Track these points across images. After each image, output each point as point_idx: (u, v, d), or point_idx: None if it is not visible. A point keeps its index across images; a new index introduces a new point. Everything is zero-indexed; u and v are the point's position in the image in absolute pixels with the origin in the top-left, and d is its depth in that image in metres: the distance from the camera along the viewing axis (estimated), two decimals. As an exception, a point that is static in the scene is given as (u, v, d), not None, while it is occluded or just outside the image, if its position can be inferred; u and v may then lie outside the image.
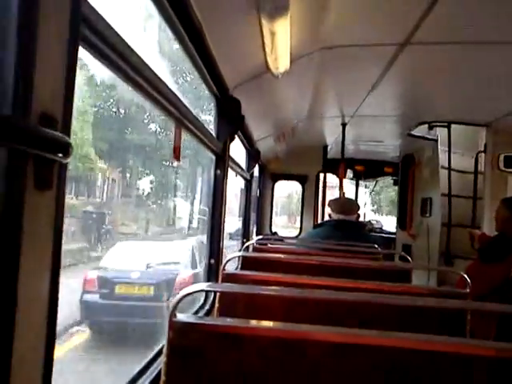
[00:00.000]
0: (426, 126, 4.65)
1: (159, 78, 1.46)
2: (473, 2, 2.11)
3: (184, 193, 22.24)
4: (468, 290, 2.09)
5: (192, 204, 21.60)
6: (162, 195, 19.58)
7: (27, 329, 0.76)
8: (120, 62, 1.13)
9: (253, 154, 4.49)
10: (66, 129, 0.81)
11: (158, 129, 17.70)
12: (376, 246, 3.58)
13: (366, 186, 9.00)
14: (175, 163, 17.30)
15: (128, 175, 18.13)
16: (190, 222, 20.61)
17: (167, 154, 15.87)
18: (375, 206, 28.41)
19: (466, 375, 1.25)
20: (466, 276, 2.17)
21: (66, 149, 0.77)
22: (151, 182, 18.45)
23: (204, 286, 1.44)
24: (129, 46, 1.15)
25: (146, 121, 17.45)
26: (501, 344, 1.36)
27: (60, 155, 0.77)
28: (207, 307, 2.64)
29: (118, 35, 1.08)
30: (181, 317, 1.30)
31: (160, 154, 17.48)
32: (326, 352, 1.27)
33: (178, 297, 1.30)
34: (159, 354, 1.82)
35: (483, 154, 4.64)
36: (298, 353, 1.28)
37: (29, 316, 0.76)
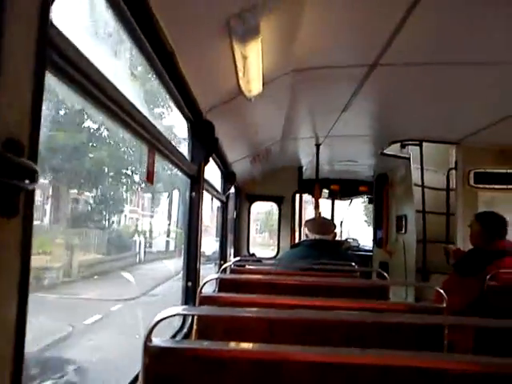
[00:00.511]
0: (399, 144, 4.74)
1: (131, 102, 1.45)
2: (440, 23, 2.18)
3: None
4: (444, 305, 2.10)
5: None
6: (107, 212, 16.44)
7: None
8: (90, 86, 1.12)
9: (228, 176, 4.49)
10: (33, 155, 0.79)
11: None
12: (353, 264, 3.59)
13: (350, 202, 9.08)
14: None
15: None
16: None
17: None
18: (368, 217, 28.73)
19: None
20: (441, 291, 2.18)
21: (33, 175, 0.75)
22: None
23: (180, 309, 1.40)
24: (98, 71, 1.14)
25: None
26: (479, 358, 1.37)
27: (27, 181, 0.75)
28: (185, 331, 2.60)
29: (87, 60, 1.07)
30: (156, 341, 1.27)
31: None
32: (305, 372, 1.26)
33: (154, 321, 1.27)
34: (135, 380, 1.77)
35: (454, 171, 4.75)
36: (278, 374, 1.26)
37: None
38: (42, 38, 0.81)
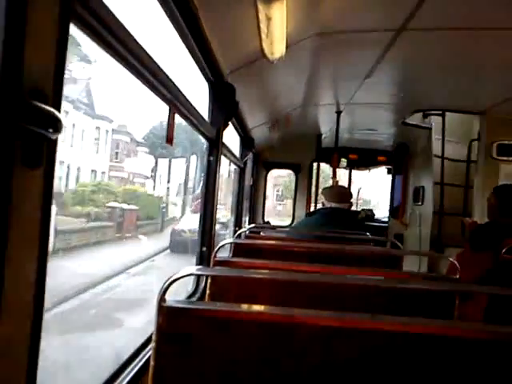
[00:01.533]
0: (421, 114, 4.65)
1: (153, 59, 1.44)
2: None
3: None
4: (458, 276, 2.10)
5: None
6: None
7: (14, 310, 0.74)
8: (112, 40, 1.10)
9: (247, 142, 4.46)
10: (57, 104, 0.79)
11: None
12: (368, 233, 3.59)
13: (369, 171, 9.01)
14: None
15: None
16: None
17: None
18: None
19: (455, 356, 1.26)
20: (456, 262, 2.18)
21: (56, 124, 0.75)
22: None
23: (193, 269, 1.42)
24: (122, 25, 1.13)
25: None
26: (488, 326, 1.37)
27: (50, 130, 0.75)
28: (198, 294, 2.64)
29: (111, 12, 1.05)
30: (170, 302, 1.29)
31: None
32: (315, 335, 1.27)
33: (167, 281, 1.29)
34: (149, 340, 1.82)
35: (476, 143, 4.66)
36: (288, 336, 1.28)
37: (16, 296, 0.74)
38: None
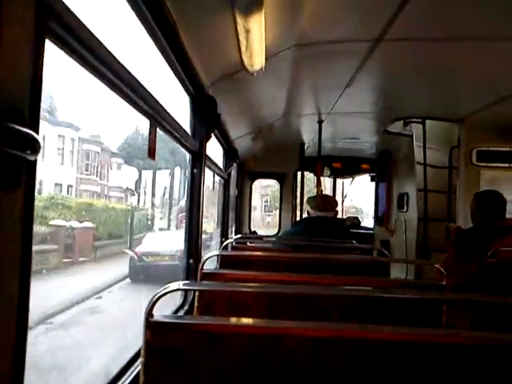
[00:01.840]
0: (402, 122, 4.71)
1: (132, 75, 1.44)
2: None
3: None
4: (444, 283, 2.11)
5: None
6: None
7: None
8: (88, 56, 1.10)
9: (230, 153, 4.47)
10: (34, 123, 0.79)
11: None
12: (354, 241, 3.60)
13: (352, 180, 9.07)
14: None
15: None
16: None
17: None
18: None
19: (443, 364, 1.26)
20: (442, 269, 2.19)
21: (34, 144, 0.74)
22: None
23: (180, 284, 1.42)
24: (98, 40, 1.13)
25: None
26: (475, 332, 1.38)
27: (28, 152, 0.74)
28: (186, 307, 2.62)
29: (87, 29, 1.05)
30: (157, 316, 1.29)
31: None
32: (303, 346, 1.27)
33: (154, 297, 1.28)
34: (138, 355, 1.80)
35: (457, 149, 4.72)
36: (276, 348, 1.27)
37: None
38: (41, 6, 0.79)
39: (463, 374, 1.26)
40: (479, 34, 2.49)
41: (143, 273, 13.95)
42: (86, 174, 20.92)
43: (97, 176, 21.74)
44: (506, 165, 4.60)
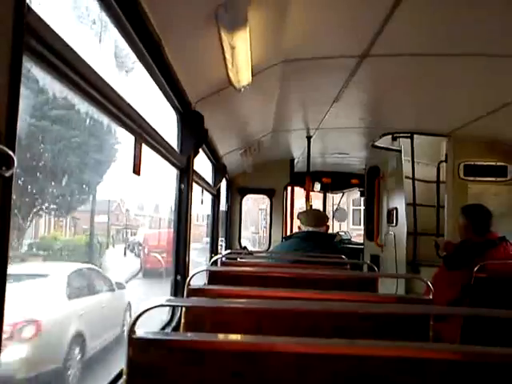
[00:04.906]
0: (390, 137, 4.74)
1: (115, 91, 1.44)
2: (428, 15, 2.17)
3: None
4: (431, 297, 2.11)
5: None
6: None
7: None
8: (71, 73, 1.10)
9: (219, 169, 4.47)
10: (10, 139, 0.78)
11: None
12: (343, 256, 3.59)
13: (342, 195, 9.09)
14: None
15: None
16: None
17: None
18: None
19: (431, 379, 1.25)
20: (429, 283, 2.19)
21: (8, 161, 0.74)
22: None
23: (163, 300, 1.39)
24: (80, 58, 1.12)
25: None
26: (463, 347, 1.37)
27: (4, 168, 0.73)
28: (174, 324, 2.59)
29: (68, 46, 1.05)
30: (140, 333, 1.26)
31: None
32: (289, 363, 1.26)
33: (138, 313, 1.26)
34: (121, 374, 1.77)
35: (444, 164, 4.76)
36: (263, 365, 1.26)
37: None
38: (19, 23, 0.79)
39: None
40: (465, 49, 2.53)
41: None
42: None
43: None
44: (493, 179, 4.64)
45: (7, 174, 0.75)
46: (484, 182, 4.62)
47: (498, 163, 4.66)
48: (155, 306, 1.31)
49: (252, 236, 24.77)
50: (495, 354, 1.26)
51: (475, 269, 3.13)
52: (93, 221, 13.47)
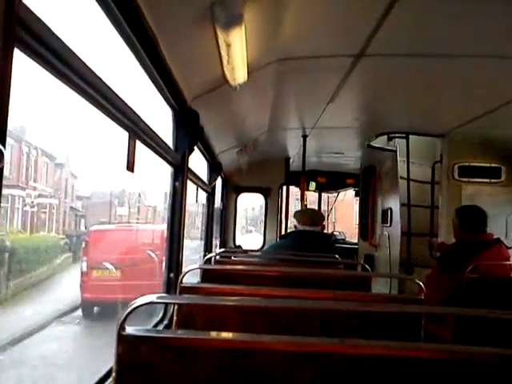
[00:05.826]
0: (385, 137, 4.75)
1: (108, 86, 1.43)
2: (424, 15, 2.17)
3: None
4: (422, 297, 2.11)
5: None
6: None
7: None
8: (62, 67, 1.09)
9: (214, 167, 4.46)
10: (1, 135, 0.78)
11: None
12: (337, 256, 3.59)
13: (337, 194, 9.13)
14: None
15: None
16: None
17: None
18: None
19: (422, 378, 1.25)
20: (420, 283, 2.20)
21: None
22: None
23: (153, 297, 1.38)
24: (70, 50, 1.12)
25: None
26: (454, 346, 1.37)
27: None
28: (166, 321, 2.58)
29: (58, 38, 1.04)
30: (130, 330, 1.25)
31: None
32: (280, 361, 1.25)
33: (127, 310, 1.25)
34: (110, 372, 1.76)
35: (439, 164, 4.77)
36: (251, 362, 1.25)
37: None
38: (9, 15, 0.79)
39: None
40: (460, 50, 2.54)
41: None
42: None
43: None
44: (487, 180, 4.65)
45: None
46: (478, 183, 4.63)
47: (493, 164, 4.67)
48: (146, 303, 1.30)
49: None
50: (486, 354, 1.27)
51: (468, 269, 3.14)
52: None
